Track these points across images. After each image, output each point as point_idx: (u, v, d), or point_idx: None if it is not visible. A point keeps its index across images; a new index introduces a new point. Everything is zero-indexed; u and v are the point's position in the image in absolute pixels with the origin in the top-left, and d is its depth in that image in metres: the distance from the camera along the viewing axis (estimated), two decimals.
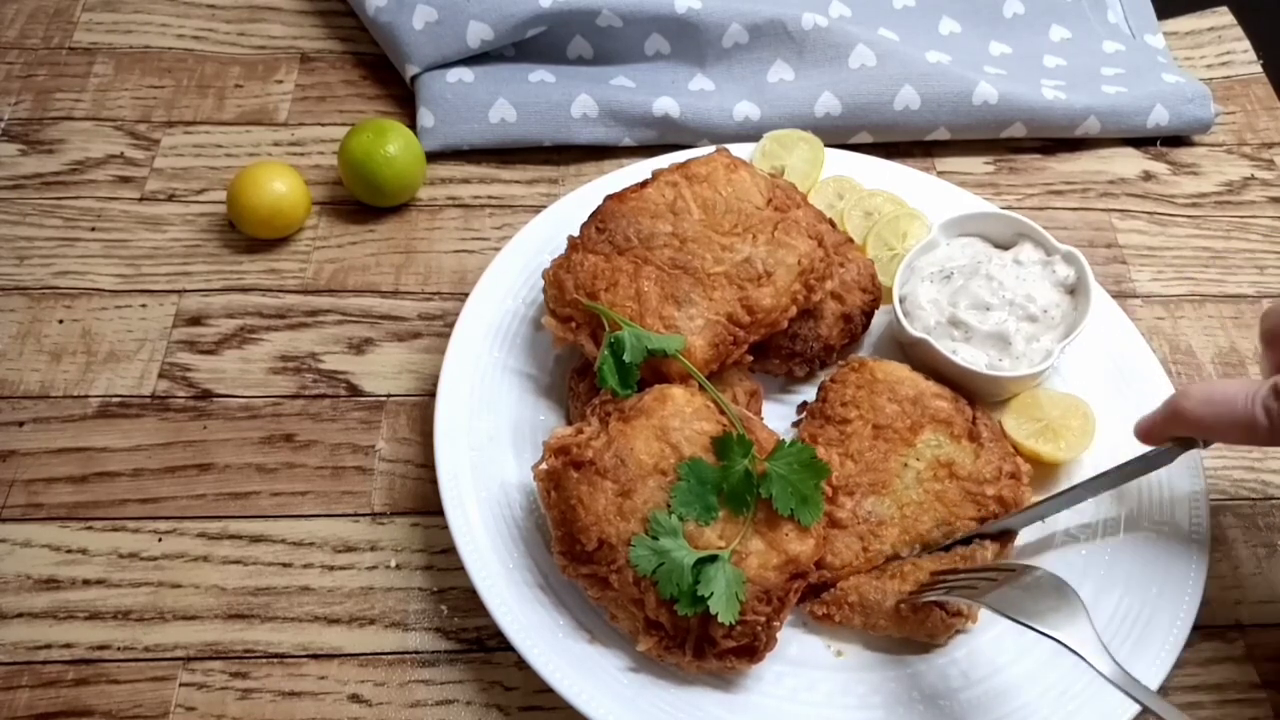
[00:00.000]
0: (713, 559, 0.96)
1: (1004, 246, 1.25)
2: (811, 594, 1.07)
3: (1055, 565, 1.10)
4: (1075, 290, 1.20)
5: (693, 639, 0.98)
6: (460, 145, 1.48)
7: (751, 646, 0.98)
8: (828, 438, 1.12)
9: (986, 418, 1.15)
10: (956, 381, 1.17)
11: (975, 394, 1.18)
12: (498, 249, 1.29)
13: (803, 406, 1.21)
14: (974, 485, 1.09)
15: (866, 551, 1.06)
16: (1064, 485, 1.16)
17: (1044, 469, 1.17)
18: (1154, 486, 1.15)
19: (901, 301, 1.21)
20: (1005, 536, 1.10)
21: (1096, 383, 1.23)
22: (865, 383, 1.15)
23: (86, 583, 1.11)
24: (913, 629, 1.03)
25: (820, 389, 1.18)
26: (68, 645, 1.07)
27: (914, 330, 1.17)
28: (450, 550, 1.11)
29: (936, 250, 1.25)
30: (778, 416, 1.22)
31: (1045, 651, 1.00)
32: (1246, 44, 1.71)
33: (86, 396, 1.24)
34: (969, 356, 1.16)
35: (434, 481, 1.11)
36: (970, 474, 1.10)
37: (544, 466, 1.03)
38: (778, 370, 1.23)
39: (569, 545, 1.00)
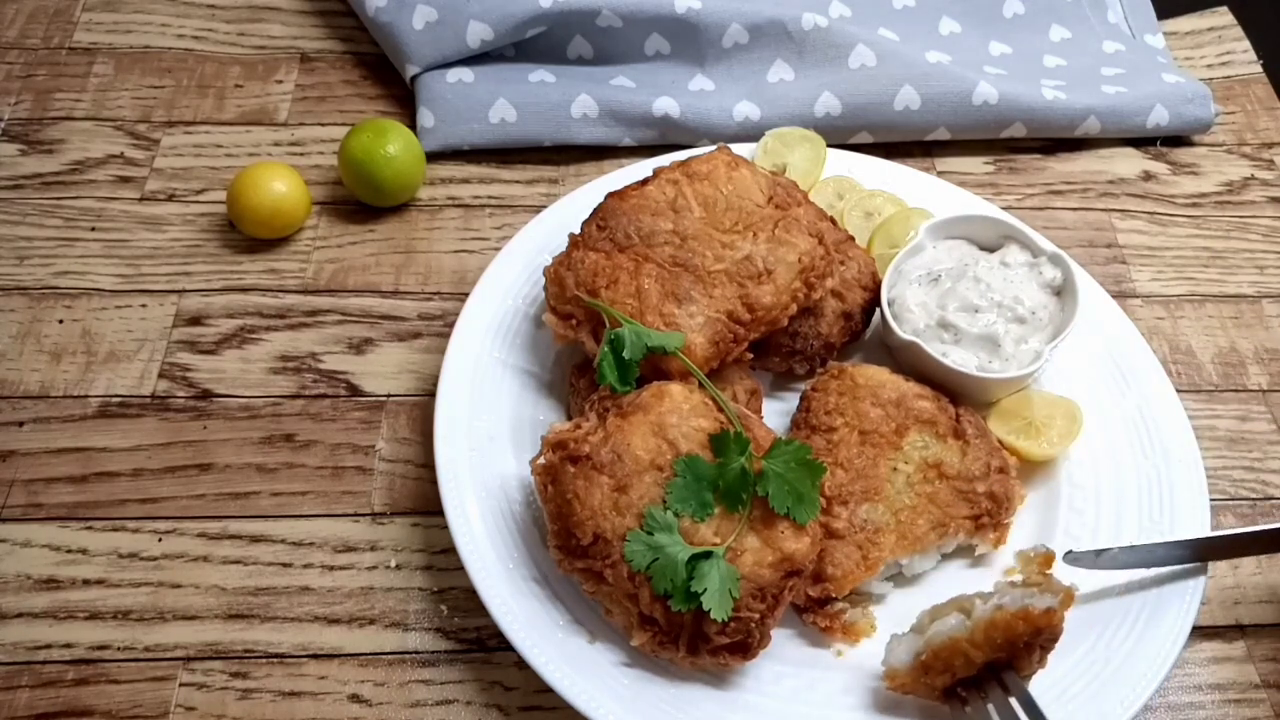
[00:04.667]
0: (707, 555, 0.96)
1: (990, 249, 1.25)
2: (816, 606, 1.07)
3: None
4: (1062, 291, 1.20)
5: (686, 635, 0.98)
6: (460, 145, 1.48)
7: (745, 644, 0.97)
8: (816, 448, 1.11)
9: (970, 414, 1.15)
10: (947, 384, 1.17)
11: (966, 396, 1.18)
12: (498, 249, 1.29)
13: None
14: (964, 483, 1.10)
15: (866, 560, 1.06)
16: (1050, 480, 1.17)
17: (1030, 465, 1.17)
18: (1154, 486, 1.15)
19: (890, 305, 1.21)
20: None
21: (1096, 383, 1.23)
22: (847, 389, 1.15)
23: (86, 583, 1.11)
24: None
25: (803, 399, 1.18)
26: (68, 645, 1.07)
27: (903, 333, 1.17)
28: (450, 550, 1.11)
29: (923, 253, 1.25)
30: (778, 414, 1.22)
31: None
32: (1246, 44, 1.71)
33: (86, 396, 1.24)
34: (959, 359, 1.16)
35: (434, 481, 1.11)
36: (959, 472, 1.10)
37: (541, 461, 1.03)
38: (778, 368, 1.23)
39: (564, 539, 1.00)
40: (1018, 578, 1.04)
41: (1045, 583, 0.99)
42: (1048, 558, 1.03)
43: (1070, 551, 1.06)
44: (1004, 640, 0.94)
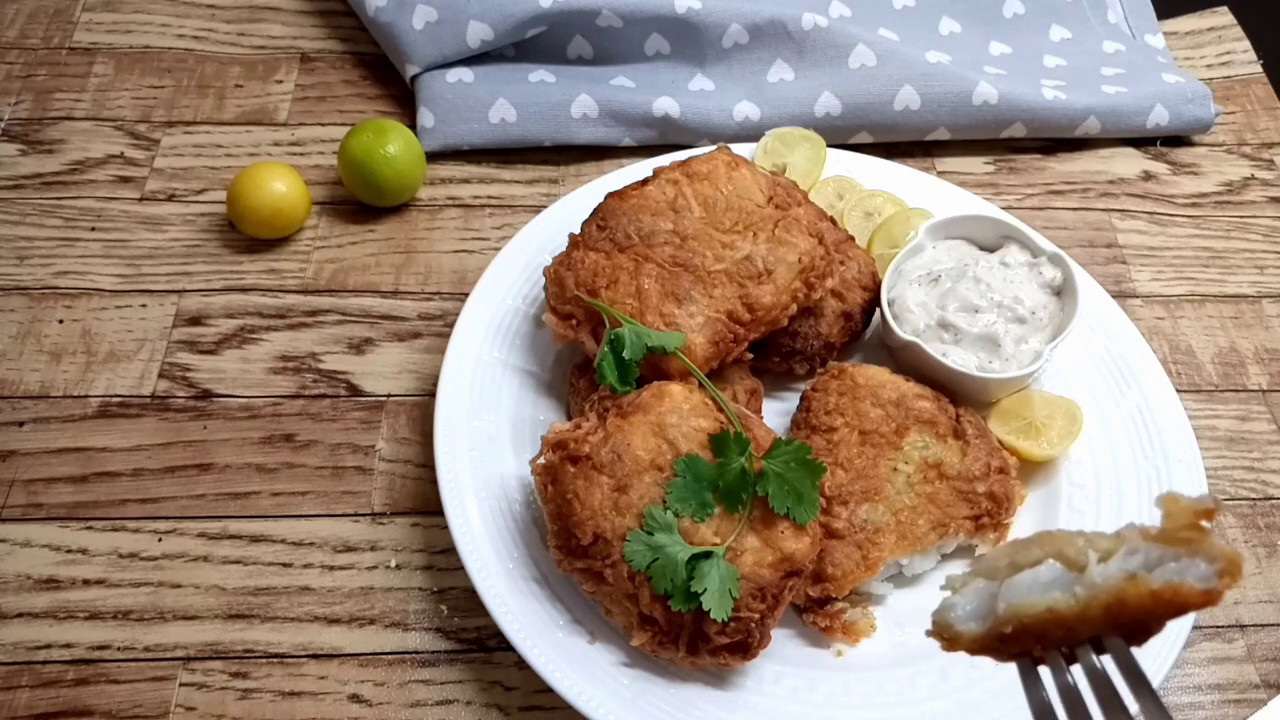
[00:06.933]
0: (707, 555, 0.96)
1: (990, 249, 1.25)
2: (816, 606, 1.07)
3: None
4: (1062, 291, 1.20)
5: (686, 635, 0.98)
6: (460, 145, 1.48)
7: (745, 643, 0.97)
8: (816, 448, 1.11)
9: (970, 414, 1.15)
10: (947, 384, 1.17)
11: (966, 396, 1.18)
12: (498, 249, 1.29)
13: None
14: (964, 484, 1.10)
15: (866, 560, 1.06)
16: (1050, 480, 1.17)
17: (1030, 466, 1.17)
18: (1154, 486, 1.15)
19: (890, 305, 1.21)
20: None
21: (1097, 383, 1.23)
22: (847, 389, 1.15)
23: (86, 583, 1.11)
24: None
25: (803, 399, 1.18)
26: (68, 645, 1.07)
27: (903, 333, 1.17)
28: (450, 550, 1.11)
29: (923, 254, 1.25)
30: (778, 414, 1.22)
31: None
32: (1246, 44, 1.71)
33: (86, 396, 1.24)
34: (959, 359, 1.16)
35: (434, 481, 1.11)
36: (959, 473, 1.10)
37: (541, 461, 1.03)
38: (778, 368, 1.23)
39: (564, 539, 1.00)
40: (1150, 524, 0.67)
41: (1198, 542, 0.63)
42: (1209, 510, 0.64)
43: None
44: (1132, 619, 0.65)
